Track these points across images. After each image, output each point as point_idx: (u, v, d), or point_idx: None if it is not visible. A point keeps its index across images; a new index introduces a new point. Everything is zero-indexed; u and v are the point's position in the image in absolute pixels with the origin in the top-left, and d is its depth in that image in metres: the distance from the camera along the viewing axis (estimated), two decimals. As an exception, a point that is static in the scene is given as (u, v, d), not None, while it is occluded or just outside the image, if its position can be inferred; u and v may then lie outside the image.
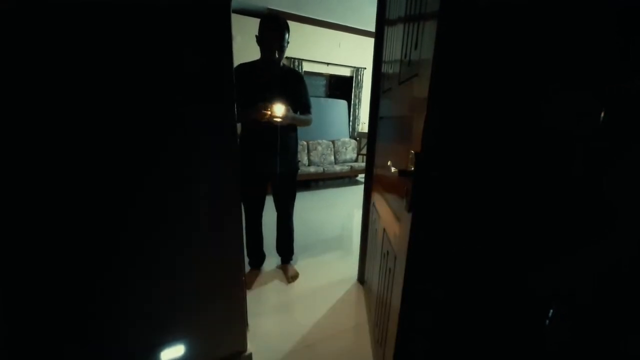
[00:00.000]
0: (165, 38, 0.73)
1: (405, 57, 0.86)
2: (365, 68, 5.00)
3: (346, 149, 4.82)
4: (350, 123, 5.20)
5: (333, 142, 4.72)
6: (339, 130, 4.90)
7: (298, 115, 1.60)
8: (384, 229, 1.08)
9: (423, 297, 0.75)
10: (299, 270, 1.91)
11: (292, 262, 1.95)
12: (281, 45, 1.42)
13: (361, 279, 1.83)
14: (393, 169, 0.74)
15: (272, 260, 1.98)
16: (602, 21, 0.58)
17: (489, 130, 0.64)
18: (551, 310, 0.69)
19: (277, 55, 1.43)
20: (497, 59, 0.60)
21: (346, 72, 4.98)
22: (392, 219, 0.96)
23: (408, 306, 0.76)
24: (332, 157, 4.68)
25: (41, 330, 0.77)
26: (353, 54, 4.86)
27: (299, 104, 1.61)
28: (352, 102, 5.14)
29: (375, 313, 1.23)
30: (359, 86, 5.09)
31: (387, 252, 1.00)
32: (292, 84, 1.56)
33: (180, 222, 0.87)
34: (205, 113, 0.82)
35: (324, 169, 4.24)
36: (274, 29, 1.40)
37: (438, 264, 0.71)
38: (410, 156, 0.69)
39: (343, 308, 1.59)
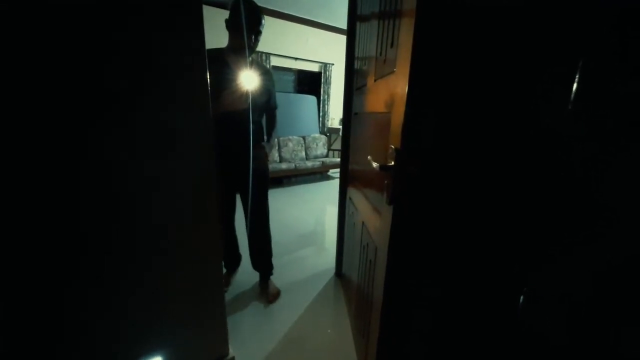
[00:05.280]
0: (138, 26, 0.67)
1: (381, 54, 0.88)
2: (333, 64, 5.03)
3: (317, 144, 4.84)
4: (320, 119, 5.23)
5: (304, 138, 4.71)
6: (309, 127, 4.90)
7: (272, 136, 1.62)
8: (363, 222, 1.11)
9: (405, 285, 0.78)
10: (275, 267, 1.73)
11: (272, 277, 1.73)
12: (257, 33, 1.31)
13: (339, 272, 1.86)
14: (374, 164, 0.76)
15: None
16: (601, 21, 0.57)
17: (468, 126, 0.68)
18: (522, 297, 0.74)
19: (250, 44, 1.31)
20: (478, 57, 0.63)
21: (314, 68, 4.97)
22: (371, 212, 0.99)
23: (390, 295, 0.80)
24: (303, 153, 4.68)
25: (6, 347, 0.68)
26: (321, 50, 4.86)
27: (267, 103, 1.51)
28: (321, 98, 5.16)
29: (356, 304, 1.26)
30: (328, 82, 5.12)
31: (367, 244, 1.03)
32: (263, 80, 1.44)
33: (154, 220, 0.81)
34: (179, 104, 0.77)
35: (295, 165, 4.22)
36: (250, 13, 1.25)
37: (419, 254, 0.75)
38: (390, 151, 0.72)
39: (323, 302, 1.61)
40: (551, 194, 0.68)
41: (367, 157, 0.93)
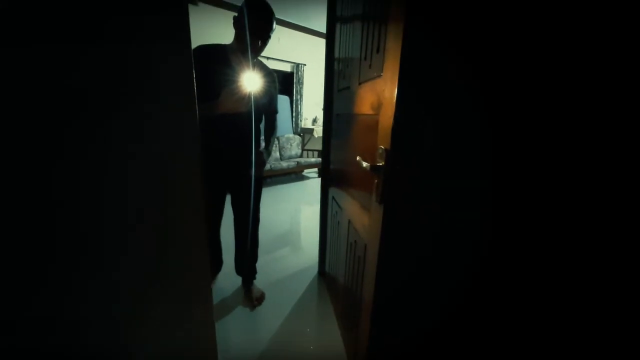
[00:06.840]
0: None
1: (366, 59, 0.91)
2: (305, 64, 5.04)
3: (291, 145, 4.83)
4: (294, 119, 5.21)
5: (278, 138, 4.67)
6: (283, 127, 4.86)
7: (271, 143, 1.52)
8: (349, 221, 1.15)
9: (395, 279, 0.83)
10: (258, 269, 1.72)
11: (255, 282, 1.71)
12: (266, 38, 1.28)
13: (322, 270, 1.89)
14: (365, 164, 0.79)
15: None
16: (601, 20, 0.59)
17: (455, 126, 0.73)
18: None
19: (256, 48, 1.27)
20: (462, 60, 0.69)
21: (286, 68, 4.95)
22: (359, 211, 1.02)
23: (381, 289, 0.84)
24: (278, 154, 4.64)
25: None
26: (293, 50, 4.85)
27: (268, 106, 1.46)
28: (294, 98, 5.15)
29: (343, 301, 1.29)
30: (300, 82, 5.12)
31: (355, 241, 1.06)
32: (265, 82, 1.39)
33: (135, 221, 0.77)
34: (162, 94, 0.74)
35: (270, 166, 4.17)
36: (264, 16, 1.23)
37: (410, 249, 0.80)
38: (380, 152, 0.76)
39: (308, 301, 1.62)
40: (540, 190, 0.76)
41: (353, 157, 0.96)
